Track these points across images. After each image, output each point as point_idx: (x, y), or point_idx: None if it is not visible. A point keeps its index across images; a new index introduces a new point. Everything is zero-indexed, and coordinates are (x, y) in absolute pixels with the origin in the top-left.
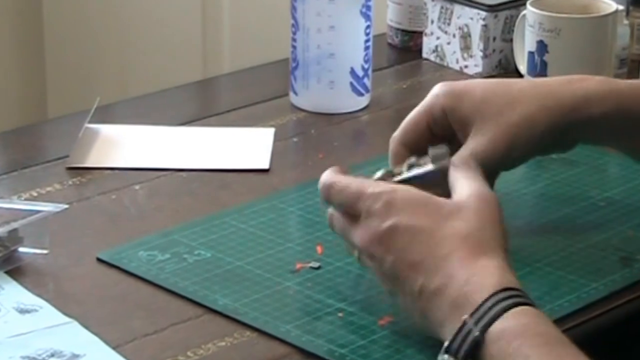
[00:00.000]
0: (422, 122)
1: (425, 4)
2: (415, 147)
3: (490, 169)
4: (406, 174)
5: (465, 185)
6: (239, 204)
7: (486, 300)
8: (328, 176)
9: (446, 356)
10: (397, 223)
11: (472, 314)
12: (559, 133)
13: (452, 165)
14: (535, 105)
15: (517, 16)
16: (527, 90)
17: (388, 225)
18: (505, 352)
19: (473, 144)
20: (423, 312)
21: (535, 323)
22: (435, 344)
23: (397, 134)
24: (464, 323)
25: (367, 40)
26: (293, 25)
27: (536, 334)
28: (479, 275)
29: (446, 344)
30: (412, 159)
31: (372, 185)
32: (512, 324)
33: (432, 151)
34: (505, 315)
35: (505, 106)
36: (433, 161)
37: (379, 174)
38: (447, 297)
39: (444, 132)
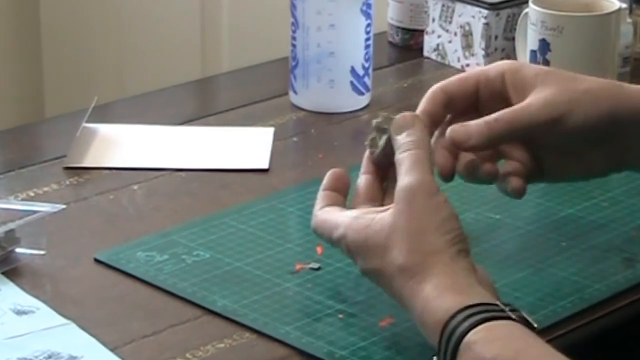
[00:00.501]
0: (472, 79)
1: (426, 2)
2: (455, 99)
3: (538, 131)
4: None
5: (399, 179)
6: (238, 204)
7: (441, 335)
8: (315, 213)
9: None
10: (362, 268)
11: (437, 353)
12: (616, 124)
13: (400, 150)
14: (599, 84)
15: (519, 14)
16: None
17: (360, 269)
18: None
19: (530, 99)
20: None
21: (482, 343)
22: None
23: (441, 82)
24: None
25: (367, 39)
26: (293, 24)
27: (494, 354)
28: (426, 309)
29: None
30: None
31: (333, 228)
32: (480, 338)
33: (375, 121)
34: (460, 350)
35: (569, 78)
36: (377, 130)
37: (378, 119)
38: (426, 327)
39: (489, 97)
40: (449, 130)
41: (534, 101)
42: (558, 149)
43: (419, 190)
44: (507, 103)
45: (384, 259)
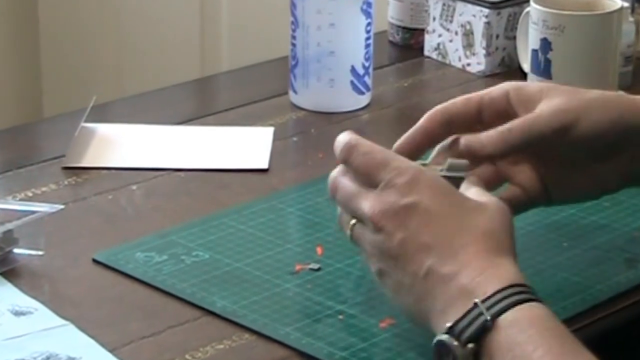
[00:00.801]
0: (474, 100)
1: (427, 1)
2: (456, 120)
3: (550, 140)
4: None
5: (482, 194)
6: (238, 205)
7: (500, 290)
8: (351, 137)
9: (447, 336)
10: (418, 202)
11: (484, 300)
12: (625, 132)
13: (467, 179)
14: (606, 93)
15: (521, 13)
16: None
17: (408, 202)
18: (514, 340)
19: (540, 109)
20: (423, 294)
21: (546, 318)
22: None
23: (444, 104)
24: (474, 306)
25: (367, 38)
26: (293, 23)
27: (548, 328)
28: (494, 269)
29: (449, 324)
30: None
31: (398, 159)
32: (524, 315)
33: (451, 161)
34: (518, 307)
35: (574, 90)
36: (449, 169)
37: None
38: (457, 283)
39: (494, 116)
40: (463, 139)
41: (544, 110)
42: (567, 162)
43: (509, 210)
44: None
45: (465, 215)
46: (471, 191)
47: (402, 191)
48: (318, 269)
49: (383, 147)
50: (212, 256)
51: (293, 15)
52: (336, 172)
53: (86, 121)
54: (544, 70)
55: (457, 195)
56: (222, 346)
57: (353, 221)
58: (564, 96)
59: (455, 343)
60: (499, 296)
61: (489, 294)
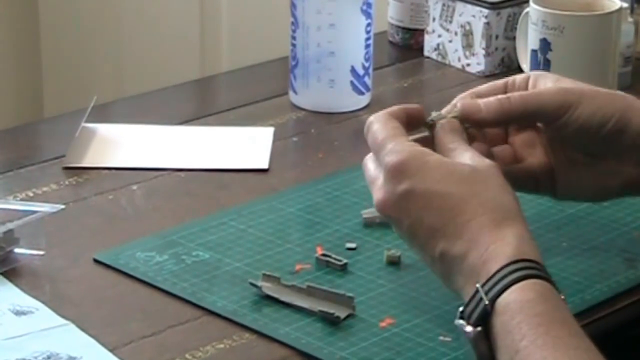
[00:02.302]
0: (501, 83)
1: (426, 1)
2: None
3: (548, 117)
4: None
5: (467, 153)
6: (238, 205)
7: (499, 270)
8: (374, 116)
9: (461, 321)
10: (412, 187)
11: (484, 283)
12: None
13: (461, 145)
14: (620, 93)
15: (520, 14)
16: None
17: (403, 189)
18: (506, 328)
19: (544, 87)
20: (444, 274)
21: (539, 300)
22: (436, 347)
23: (473, 89)
24: (477, 291)
25: (367, 38)
26: (293, 23)
27: (536, 314)
28: (498, 244)
29: (461, 309)
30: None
31: (395, 140)
32: (516, 298)
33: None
34: (513, 287)
35: (588, 86)
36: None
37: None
38: (468, 263)
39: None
40: (460, 103)
41: (549, 88)
42: (573, 155)
43: (499, 167)
44: None
45: (460, 186)
46: (465, 156)
47: (396, 177)
48: (355, 249)
49: (393, 125)
50: (213, 256)
51: (293, 15)
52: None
53: (87, 121)
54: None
55: (448, 166)
56: (222, 346)
57: None
58: (573, 83)
59: (468, 328)
60: (497, 277)
61: (490, 274)
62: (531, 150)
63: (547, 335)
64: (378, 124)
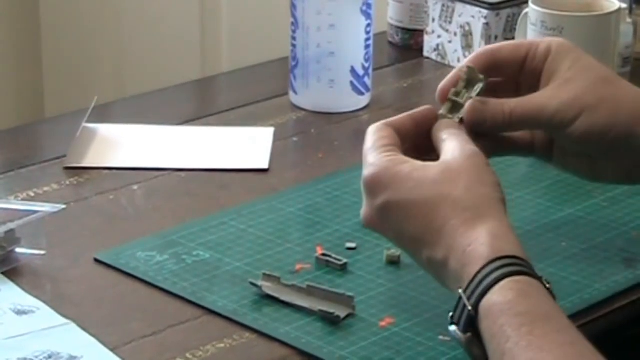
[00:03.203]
0: (524, 49)
1: (426, 2)
2: (504, 65)
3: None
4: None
5: (450, 145)
6: (238, 205)
7: (478, 272)
8: (372, 125)
9: (453, 327)
10: (386, 200)
11: (466, 288)
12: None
13: (436, 126)
14: (630, 95)
15: (519, 14)
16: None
17: (379, 204)
18: (491, 332)
19: (549, 96)
20: (438, 279)
21: (519, 299)
22: (436, 346)
23: (493, 45)
24: (460, 297)
25: (367, 39)
26: (293, 24)
27: (517, 314)
28: (473, 246)
29: (451, 314)
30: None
31: (374, 153)
32: (497, 301)
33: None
34: (494, 289)
35: (599, 82)
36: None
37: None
38: (451, 268)
39: (531, 71)
40: (468, 109)
41: (552, 101)
42: (569, 148)
43: (479, 156)
44: (538, 82)
45: (431, 190)
46: (450, 146)
47: (372, 191)
48: (355, 248)
49: (380, 135)
50: (213, 256)
51: (293, 16)
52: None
53: (87, 121)
54: None
55: (418, 172)
56: (222, 345)
57: None
58: (580, 90)
59: (459, 334)
60: (477, 279)
61: (471, 277)
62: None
63: (531, 335)
64: (367, 136)
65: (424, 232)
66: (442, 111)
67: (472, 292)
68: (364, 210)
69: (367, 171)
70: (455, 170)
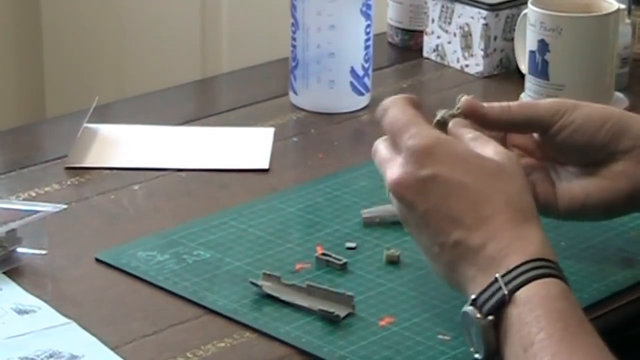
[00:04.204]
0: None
1: (425, 2)
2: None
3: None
4: None
5: (490, 146)
6: (239, 204)
7: (521, 265)
8: (392, 98)
9: (471, 308)
10: (437, 174)
11: (504, 275)
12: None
13: (456, 125)
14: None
15: (518, 15)
16: None
17: (426, 174)
18: (523, 320)
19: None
20: (453, 263)
21: (559, 297)
22: (435, 345)
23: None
24: (495, 280)
25: (367, 40)
26: (293, 24)
27: (556, 309)
28: (520, 241)
29: (473, 296)
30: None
31: (420, 124)
32: (537, 293)
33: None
34: (535, 282)
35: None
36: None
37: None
38: (485, 254)
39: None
40: (465, 101)
41: (544, 100)
42: (569, 163)
43: (519, 162)
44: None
45: (486, 181)
46: (488, 147)
47: (420, 160)
48: (354, 248)
49: (415, 112)
50: (213, 255)
51: (293, 17)
52: (383, 137)
53: (88, 122)
54: (541, 71)
55: (475, 159)
56: (223, 344)
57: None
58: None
59: (478, 315)
60: (519, 270)
61: (510, 267)
62: (532, 173)
63: (565, 330)
64: (396, 108)
65: (466, 214)
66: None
67: (511, 280)
68: (398, 174)
69: (419, 140)
70: (509, 172)
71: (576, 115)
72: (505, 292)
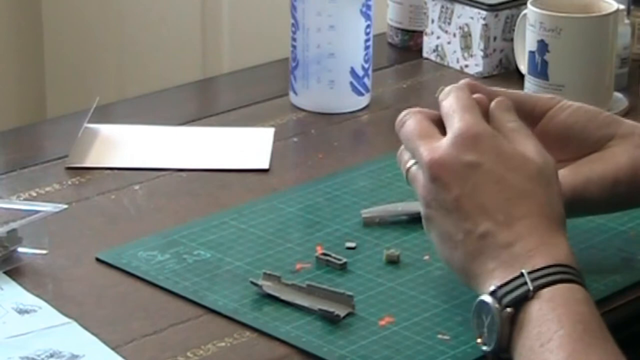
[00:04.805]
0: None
1: (425, 3)
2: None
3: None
4: None
5: (531, 144)
6: (239, 204)
7: (548, 267)
8: (460, 83)
9: (491, 298)
10: (481, 163)
11: (530, 272)
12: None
13: (498, 108)
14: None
15: (518, 15)
16: None
17: (471, 160)
18: (545, 316)
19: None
20: (475, 253)
21: (582, 302)
22: (435, 344)
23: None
24: (520, 275)
25: (367, 40)
26: (293, 25)
27: (578, 312)
28: (549, 246)
29: (492, 288)
30: None
31: (474, 113)
32: (561, 294)
33: None
34: (559, 285)
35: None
36: None
37: None
38: (511, 251)
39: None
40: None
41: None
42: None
43: (555, 166)
44: None
45: (525, 182)
46: (529, 144)
47: (466, 145)
48: (354, 248)
49: (473, 102)
50: (214, 255)
51: (293, 17)
52: (408, 110)
53: (89, 122)
54: (541, 71)
55: (519, 158)
56: (223, 344)
57: (411, 162)
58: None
59: (497, 305)
60: (545, 271)
61: (537, 267)
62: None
63: (584, 332)
64: (458, 92)
65: (499, 210)
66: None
67: (538, 278)
68: (440, 154)
69: (468, 125)
70: (547, 177)
71: (573, 102)
72: (531, 287)
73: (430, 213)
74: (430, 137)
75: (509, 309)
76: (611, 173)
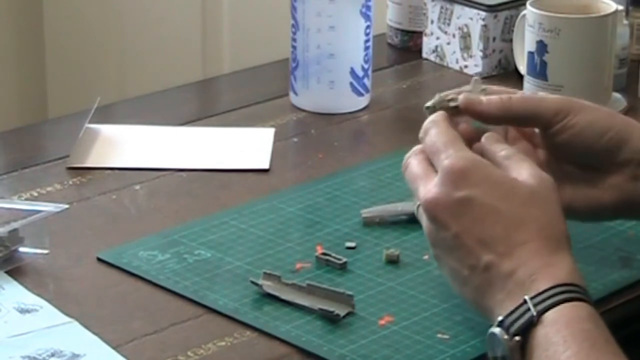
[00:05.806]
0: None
1: (425, 4)
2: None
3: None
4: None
5: (525, 167)
6: (239, 204)
7: (549, 289)
8: (438, 116)
9: (499, 329)
10: (472, 197)
11: (533, 297)
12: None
13: (489, 141)
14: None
15: (517, 16)
16: None
17: (462, 196)
18: (550, 339)
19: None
20: (483, 287)
21: (587, 319)
22: (434, 344)
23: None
24: (524, 302)
25: (367, 40)
26: (293, 25)
27: (583, 330)
28: (550, 267)
29: (500, 318)
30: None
31: (458, 145)
32: (565, 314)
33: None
34: (562, 305)
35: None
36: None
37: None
38: (515, 279)
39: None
40: (462, 96)
41: (550, 95)
42: (565, 163)
43: (554, 184)
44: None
45: (520, 208)
46: (523, 168)
47: (455, 182)
48: (354, 248)
49: (455, 133)
50: (214, 255)
51: (293, 18)
52: (413, 149)
53: (90, 122)
54: (540, 72)
55: (510, 184)
56: (223, 343)
57: (418, 202)
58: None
59: (505, 336)
60: (548, 294)
61: (539, 290)
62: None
63: (591, 349)
64: (438, 128)
65: (499, 240)
66: (429, 104)
67: (540, 302)
68: (433, 194)
69: (456, 161)
70: (543, 197)
71: (578, 120)
72: (534, 313)
73: (437, 252)
74: (428, 177)
75: (517, 338)
76: (594, 207)
